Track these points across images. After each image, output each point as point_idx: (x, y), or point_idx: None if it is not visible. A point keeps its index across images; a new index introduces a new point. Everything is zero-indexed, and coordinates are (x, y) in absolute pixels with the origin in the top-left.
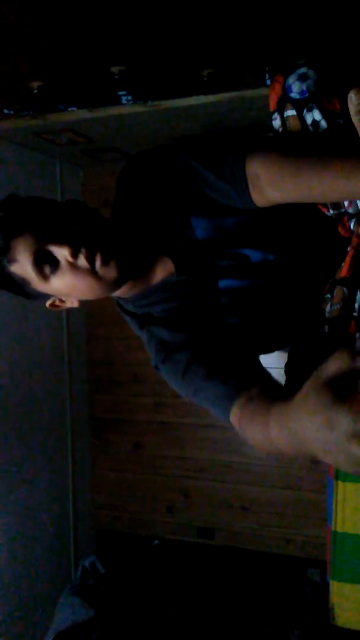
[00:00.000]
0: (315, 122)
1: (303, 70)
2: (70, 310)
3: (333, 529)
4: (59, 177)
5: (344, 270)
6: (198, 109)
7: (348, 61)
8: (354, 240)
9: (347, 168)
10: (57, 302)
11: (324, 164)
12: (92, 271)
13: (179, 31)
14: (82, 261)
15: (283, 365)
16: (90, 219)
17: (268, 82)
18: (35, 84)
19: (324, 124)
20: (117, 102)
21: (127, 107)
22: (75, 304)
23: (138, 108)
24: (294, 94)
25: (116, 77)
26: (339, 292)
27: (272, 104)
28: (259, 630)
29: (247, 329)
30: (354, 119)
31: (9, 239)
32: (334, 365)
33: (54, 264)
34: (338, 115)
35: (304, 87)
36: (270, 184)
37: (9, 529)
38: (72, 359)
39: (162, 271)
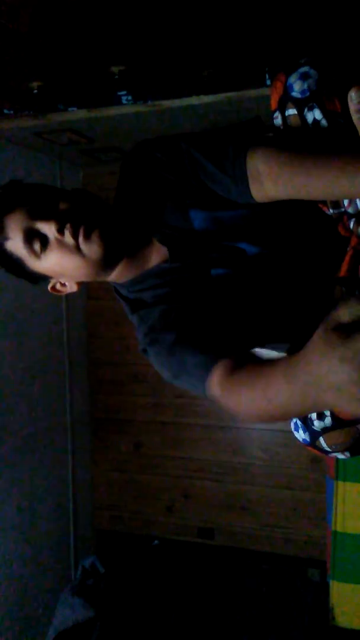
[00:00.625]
0: (315, 122)
1: (305, 69)
2: (70, 311)
3: (333, 529)
4: (59, 177)
5: (342, 270)
6: (198, 109)
7: (349, 60)
8: (353, 240)
9: (348, 166)
10: (58, 287)
11: (324, 161)
12: (77, 248)
13: (179, 31)
14: (67, 237)
15: None
16: (82, 198)
17: (268, 82)
18: (35, 84)
19: (324, 123)
20: (117, 102)
21: (127, 107)
22: (75, 288)
23: (138, 108)
24: (295, 93)
25: (116, 77)
26: (337, 291)
27: (274, 103)
28: (258, 630)
29: (236, 318)
30: (354, 117)
31: (1, 215)
32: (343, 311)
33: (44, 241)
34: (339, 115)
35: (305, 86)
36: (271, 179)
37: (9, 530)
38: (72, 359)
39: (157, 257)
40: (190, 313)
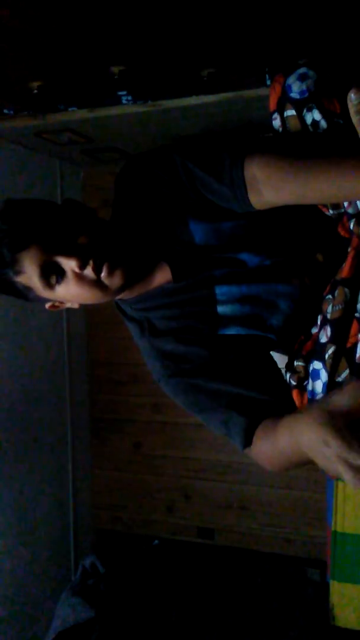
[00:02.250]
0: (315, 122)
1: (303, 70)
2: (70, 311)
3: (333, 529)
4: (59, 177)
5: (345, 271)
6: (198, 109)
7: (348, 61)
8: (354, 240)
9: (347, 169)
10: (57, 304)
11: (323, 165)
12: (98, 281)
13: (179, 31)
14: (89, 272)
15: (284, 365)
16: (95, 227)
17: (268, 82)
18: (35, 84)
19: (323, 124)
20: (117, 102)
21: (127, 107)
22: (75, 306)
23: (138, 108)
24: (294, 94)
25: (116, 77)
26: (340, 293)
27: (272, 104)
28: (258, 630)
29: (247, 337)
30: (354, 119)
31: (15, 252)
32: (339, 399)
33: (61, 274)
34: (338, 116)
35: (304, 87)
36: (269, 186)
37: (9, 529)
38: (72, 359)
39: (161, 277)
40: (208, 343)
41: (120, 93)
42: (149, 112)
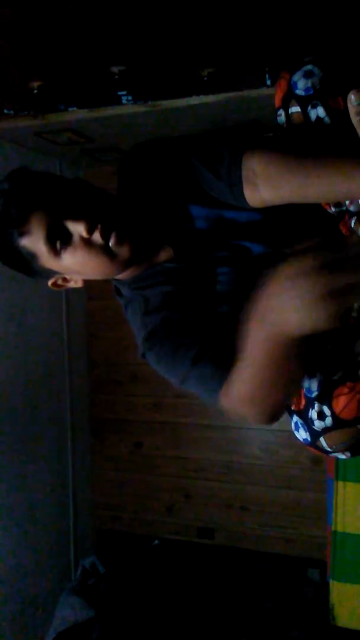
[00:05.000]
0: (319, 119)
1: (309, 67)
2: (70, 311)
3: (333, 529)
4: None
5: None
6: (198, 109)
7: (353, 59)
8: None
9: (346, 168)
10: (60, 282)
11: (322, 163)
12: (105, 248)
13: (179, 31)
14: (96, 237)
15: None
16: (104, 198)
17: (268, 82)
18: (35, 84)
19: (327, 120)
20: (117, 102)
21: (127, 107)
22: (80, 284)
23: (138, 108)
24: (299, 91)
25: (116, 77)
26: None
27: (278, 101)
28: (258, 630)
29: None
30: (354, 120)
31: (24, 211)
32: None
33: (67, 239)
34: (342, 113)
35: (309, 84)
36: (266, 183)
37: (9, 529)
38: (72, 359)
39: (163, 256)
40: (193, 314)
41: (120, 93)
42: (149, 112)
